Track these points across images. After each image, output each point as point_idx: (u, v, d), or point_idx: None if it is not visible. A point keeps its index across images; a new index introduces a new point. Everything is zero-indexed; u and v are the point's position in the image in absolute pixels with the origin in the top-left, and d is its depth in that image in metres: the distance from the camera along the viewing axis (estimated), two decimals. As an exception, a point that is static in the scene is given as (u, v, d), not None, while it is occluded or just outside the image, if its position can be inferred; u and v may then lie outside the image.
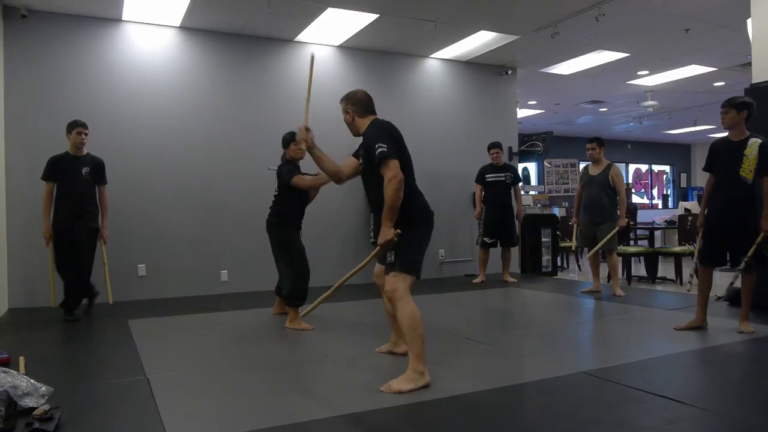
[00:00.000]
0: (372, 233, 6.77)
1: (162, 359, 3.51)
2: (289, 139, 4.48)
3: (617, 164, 6.04)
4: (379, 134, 2.91)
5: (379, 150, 2.81)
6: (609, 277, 7.39)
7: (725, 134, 4.07)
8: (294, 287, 4.42)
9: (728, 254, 4.05)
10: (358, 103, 3.08)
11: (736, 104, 3.88)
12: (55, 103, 5.70)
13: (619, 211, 5.77)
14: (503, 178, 6.74)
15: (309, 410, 2.60)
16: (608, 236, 5.66)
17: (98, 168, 4.99)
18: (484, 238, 6.82)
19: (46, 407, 2.42)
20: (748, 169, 3.83)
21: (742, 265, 3.90)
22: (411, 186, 2.96)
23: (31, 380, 2.62)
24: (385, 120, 3.07)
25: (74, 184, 4.82)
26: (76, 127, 4.83)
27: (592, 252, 5.82)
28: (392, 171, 2.79)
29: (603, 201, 5.72)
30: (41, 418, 2.32)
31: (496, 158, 6.72)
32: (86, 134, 4.88)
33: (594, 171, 5.84)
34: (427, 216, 3.03)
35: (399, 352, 3.41)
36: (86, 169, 4.87)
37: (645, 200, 16.44)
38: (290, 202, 4.48)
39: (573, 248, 6.37)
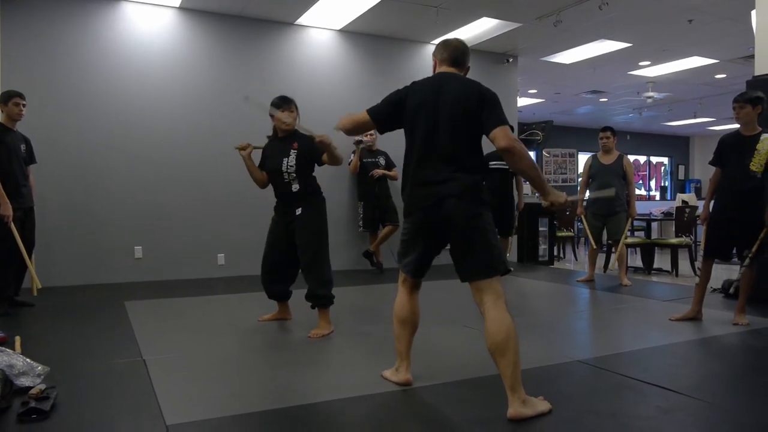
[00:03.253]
0: (361, 222, 6.75)
1: (159, 341, 3.51)
2: (276, 104, 3.73)
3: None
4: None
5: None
6: (605, 268, 7.42)
7: (735, 128, 4.07)
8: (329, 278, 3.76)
9: (735, 248, 4.07)
10: (441, 49, 2.64)
11: (752, 99, 3.87)
12: (52, 83, 5.65)
13: (628, 202, 5.78)
14: (506, 166, 6.71)
15: (307, 393, 2.60)
16: (627, 227, 5.72)
17: (31, 146, 4.60)
18: None
19: (42, 387, 2.42)
20: (758, 163, 3.84)
21: (747, 261, 3.91)
22: (406, 169, 2.59)
23: (27, 359, 2.62)
24: (429, 78, 2.62)
25: (17, 160, 4.35)
26: (13, 97, 4.34)
27: (620, 247, 5.74)
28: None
29: (618, 191, 5.68)
30: (37, 398, 2.32)
31: None
32: (24, 105, 4.39)
33: (606, 160, 5.78)
34: (405, 209, 2.60)
35: None
36: (23, 146, 4.47)
37: (642, 192, 16.45)
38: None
39: (594, 246, 5.95)
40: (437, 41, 7.47)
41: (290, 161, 3.68)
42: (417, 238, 2.55)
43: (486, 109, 2.41)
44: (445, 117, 2.44)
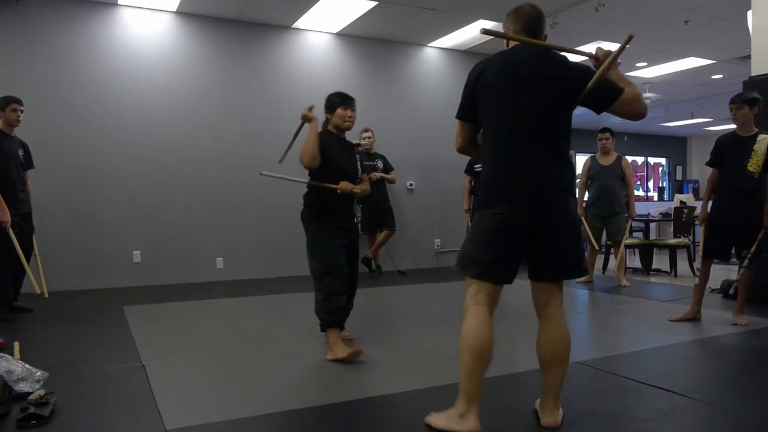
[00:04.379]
0: (359, 225, 6.73)
1: (158, 346, 3.50)
2: (336, 102, 3.38)
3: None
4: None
5: None
6: (603, 269, 7.43)
7: (732, 128, 4.09)
8: (318, 298, 3.27)
9: (733, 249, 4.09)
10: (512, 20, 2.26)
11: (749, 100, 3.90)
12: (50, 88, 5.65)
13: (628, 203, 5.84)
14: None
15: (307, 396, 2.60)
16: (628, 227, 5.81)
17: (28, 151, 4.60)
18: None
19: (42, 392, 2.42)
20: (756, 164, 3.86)
21: (746, 261, 3.92)
22: (491, 153, 2.19)
23: (26, 365, 2.61)
24: (508, 51, 2.25)
25: (15, 166, 4.35)
26: (11, 102, 4.34)
27: (622, 246, 5.80)
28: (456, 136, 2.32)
29: (618, 192, 5.75)
30: (36, 403, 2.31)
31: None
32: (22, 111, 4.39)
33: (605, 161, 5.82)
34: (487, 199, 2.16)
35: None
36: (21, 151, 4.47)
37: (641, 192, 16.47)
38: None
39: (596, 248, 5.90)
40: (434, 44, 7.54)
41: (358, 165, 3.46)
42: (505, 235, 2.10)
43: (591, 81, 2.10)
44: (536, 97, 2.12)
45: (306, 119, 3.24)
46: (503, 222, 2.09)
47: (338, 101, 3.36)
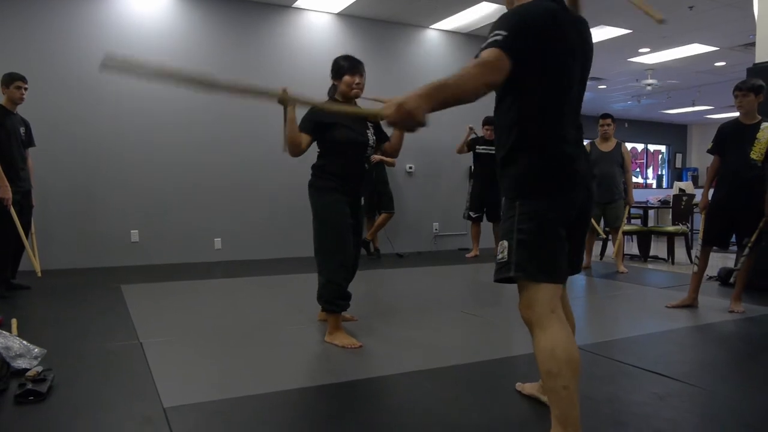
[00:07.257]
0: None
1: (155, 324, 3.51)
2: (344, 68, 3.13)
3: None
4: (504, 20, 1.74)
5: (488, 40, 1.69)
6: (601, 255, 7.44)
7: (734, 116, 4.06)
8: (320, 282, 3.14)
9: (733, 236, 4.10)
10: None
11: (755, 87, 3.87)
12: (48, 68, 5.59)
13: (626, 189, 5.86)
14: (494, 151, 6.67)
15: (304, 377, 2.61)
16: (625, 214, 5.83)
17: (30, 129, 4.58)
18: (470, 212, 6.81)
19: (39, 369, 2.43)
20: (759, 152, 3.85)
21: (746, 250, 3.93)
22: (544, 128, 1.76)
23: (24, 342, 2.62)
24: (545, 2, 1.75)
25: (16, 144, 4.34)
26: (15, 80, 4.32)
27: (620, 233, 5.83)
28: (483, 57, 1.66)
29: (617, 178, 5.75)
30: (34, 380, 2.32)
31: (490, 135, 6.64)
32: (26, 89, 4.37)
33: (605, 147, 5.81)
34: (550, 183, 1.75)
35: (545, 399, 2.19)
36: (23, 129, 4.44)
37: (640, 179, 16.46)
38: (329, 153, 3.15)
39: (602, 235, 6.04)
40: (436, 26, 7.47)
41: (371, 135, 3.19)
42: (560, 228, 1.75)
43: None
44: (583, 68, 1.90)
45: (281, 102, 2.71)
46: (562, 215, 1.75)
47: (346, 66, 3.10)
